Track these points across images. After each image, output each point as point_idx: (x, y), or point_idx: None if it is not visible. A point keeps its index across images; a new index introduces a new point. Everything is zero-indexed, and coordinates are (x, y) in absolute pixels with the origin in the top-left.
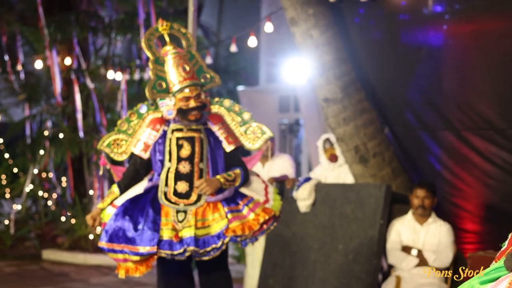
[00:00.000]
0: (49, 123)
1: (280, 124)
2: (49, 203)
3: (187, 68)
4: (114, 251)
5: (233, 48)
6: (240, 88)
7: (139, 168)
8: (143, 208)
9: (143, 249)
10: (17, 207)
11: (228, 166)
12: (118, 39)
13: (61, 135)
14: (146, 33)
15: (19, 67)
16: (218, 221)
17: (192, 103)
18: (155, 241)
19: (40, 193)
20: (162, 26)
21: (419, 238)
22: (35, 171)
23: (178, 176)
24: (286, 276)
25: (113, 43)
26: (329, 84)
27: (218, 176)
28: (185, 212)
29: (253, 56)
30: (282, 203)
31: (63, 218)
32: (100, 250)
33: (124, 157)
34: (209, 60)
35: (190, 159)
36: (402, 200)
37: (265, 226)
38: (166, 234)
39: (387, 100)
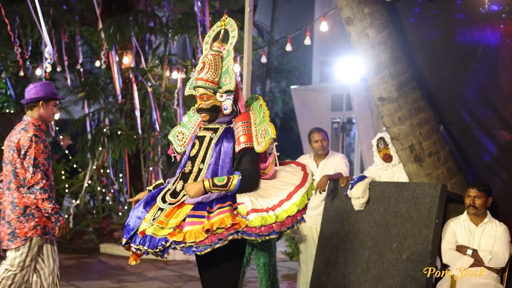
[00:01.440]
0: (107, 121)
1: (333, 123)
2: (107, 198)
3: (201, 67)
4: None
5: (288, 47)
6: (293, 87)
7: None
8: (142, 202)
9: (123, 240)
10: (76, 201)
11: (236, 168)
12: (175, 39)
13: (119, 132)
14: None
15: (78, 66)
16: (172, 225)
17: (197, 104)
18: (129, 234)
19: (98, 188)
20: (221, 22)
21: (474, 239)
22: (94, 167)
23: (182, 175)
24: (339, 273)
25: (169, 43)
26: (384, 83)
27: (206, 181)
28: (162, 210)
29: (306, 55)
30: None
31: (120, 213)
32: None
33: (183, 149)
34: (264, 59)
35: (194, 158)
36: (457, 200)
37: (220, 236)
38: (140, 228)
39: (442, 98)
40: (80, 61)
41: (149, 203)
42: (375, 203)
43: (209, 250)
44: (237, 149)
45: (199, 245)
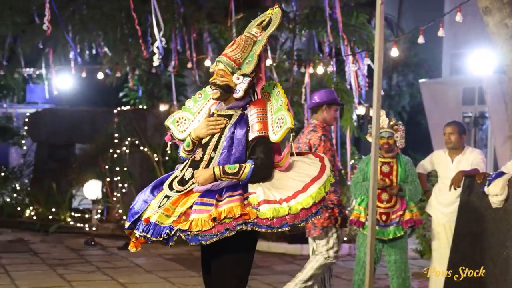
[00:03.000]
0: None
1: (464, 117)
2: None
3: (229, 45)
4: None
5: (421, 39)
6: (422, 80)
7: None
8: (150, 186)
9: (126, 224)
10: None
11: (249, 157)
12: (302, 34)
13: None
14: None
15: (206, 63)
16: (178, 213)
17: (212, 78)
18: (132, 218)
19: None
20: (270, 10)
21: None
22: None
23: (192, 163)
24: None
25: (297, 38)
26: None
27: (216, 167)
28: (168, 198)
29: (435, 48)
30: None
31: None
32: (283, 239)
33: (183, 136)
34: (395, 52)
35: (205, 146)
36: None
37: (227, 226)
38: (145, 215)
39: None
40: (209, 58)
41: (157, 187)
42: None
43: (215, 240)
44: (250, 137)
45: (204, 234)
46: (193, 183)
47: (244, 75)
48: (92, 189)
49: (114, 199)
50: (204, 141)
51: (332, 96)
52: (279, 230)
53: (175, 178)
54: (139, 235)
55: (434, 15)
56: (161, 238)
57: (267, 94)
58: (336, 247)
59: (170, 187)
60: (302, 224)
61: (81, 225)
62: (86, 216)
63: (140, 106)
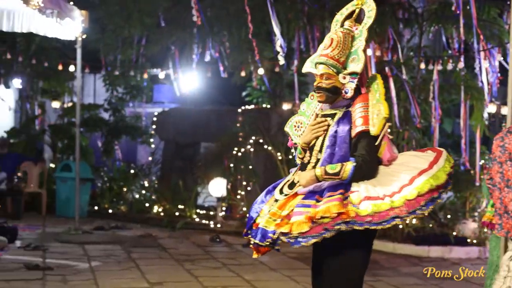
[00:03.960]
0: None
1: None
2: None
3: (328, 43)
4: None
5: None
6: None
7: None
8: (264, 191)
9: (244, 231)
10: None
11: (352, 154)
12: (431, 30)
13: None
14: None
15: None
16: (282, 216)
17: (316, 82)
18: (248, 226)
19: None
20: (358, 0)
21: None
22: None
23: (302, 166)
24: None
25: (424, 34)
26: None
27: (319, 168)
28: (277, 201)
29: None
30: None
31: None
32: (409, 241)
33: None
34: None
35: (312, 148)
36: None
37: (325, 226)
38: (257, 220)
39: None
40: None
41: (270, 192)
42: None
43: (315, 241)
44: (353, 133)
45: (304, 236)
46: (299, 186)
47: (351, 73)
48: (217, 187)
49: (238, 197)
50: (311, 144)
51: None
52: (380, 226)
53: (286, 182)
54: (252, 242)
55: None
56: (267, 243)
57: (369, 88)
58: None
59: (281, 191)
60: (411, 217)
61: (206, 222)
62: (211, 213)
63: (264, 105)
